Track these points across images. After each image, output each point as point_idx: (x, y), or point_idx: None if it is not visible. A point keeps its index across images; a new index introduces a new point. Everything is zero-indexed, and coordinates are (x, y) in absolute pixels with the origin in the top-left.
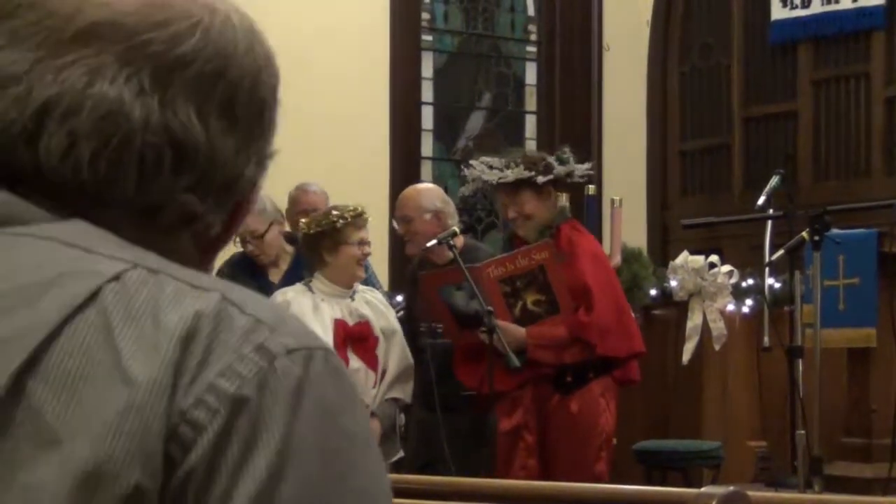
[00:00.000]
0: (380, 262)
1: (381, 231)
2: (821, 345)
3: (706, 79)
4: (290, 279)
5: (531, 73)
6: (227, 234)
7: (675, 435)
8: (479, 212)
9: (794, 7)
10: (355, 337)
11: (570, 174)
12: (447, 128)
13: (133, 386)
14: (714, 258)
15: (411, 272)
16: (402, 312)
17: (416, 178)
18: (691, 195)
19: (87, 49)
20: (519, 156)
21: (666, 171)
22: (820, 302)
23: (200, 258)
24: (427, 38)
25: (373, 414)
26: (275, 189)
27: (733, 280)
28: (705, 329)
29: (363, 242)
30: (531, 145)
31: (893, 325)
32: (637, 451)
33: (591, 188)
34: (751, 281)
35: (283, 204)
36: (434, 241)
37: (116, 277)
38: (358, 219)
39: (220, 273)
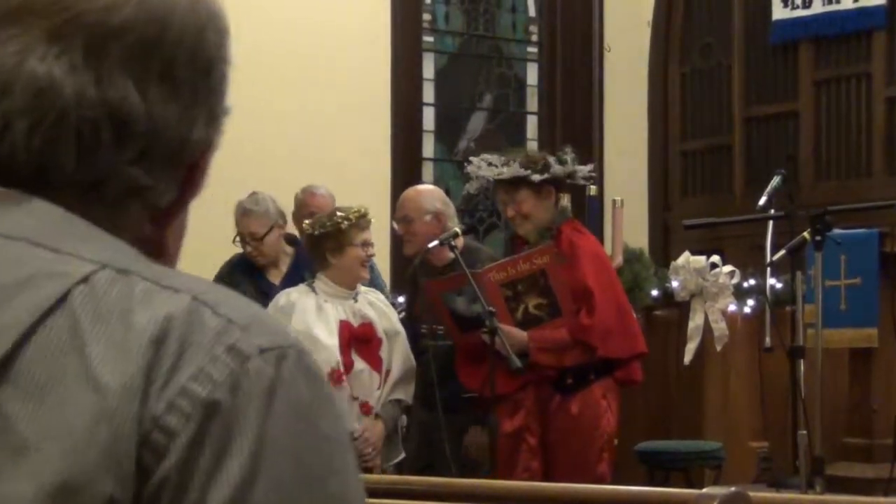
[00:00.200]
0: (381, 263)
1: (383, 232)
2: (822, 345)
3: (707, 79)
4: (290, 280)
5: (532, 74)
6: (183, 199)
7: (676, 435)
8: (480, 212)
9: (794, 7)
10: (360, 338)
11: (570, 175)
12: (448, 129)
13: (104, 393)
14: (715, 258)
15: (412, 273)
16: (402, 314)
17: (418, 179)
18: (692, 195)
19: (18, 27)
20: (521, 155)
21: (667, 171)
22: (821, 302)
23: (156, 228)
24: (428, 39)
25: (377, 415)
26: (278, 190)
27: (735, 280)
28: (707, 329)
29: (367, 244)
30: (532, 146)
31: (895, 325)
32: (639, 452)
33: (593, 189)
34: (752, 281)
35: (288, 205)
36: (435, 242)
37: (85, 279)
38: (361, 220)
39: (220, 274)
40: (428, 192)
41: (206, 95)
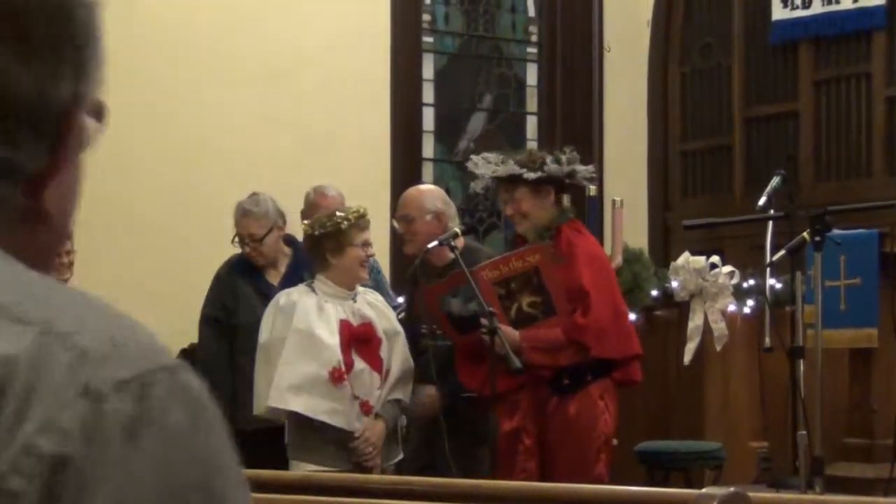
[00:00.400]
0: (381, 263)
1: (383, 233)
2: (822, 345)
3: (707, 79)
4: (289, 281)
5: (532, 75)
6: (57, 161)
7: (676, 436)
8: (480, 212)
9: (794, 7)
10: (360, 338)
11: (569, 174)
12: (448, 129)
13: None
14: (715, 259)
15: (412, 274)
16: (402, 314)
17: (418, 180)
18: (692, 196)
19: None
20: (522, 154)
21: (667, 171)
22: (821, 302)
23: (30, 196)
24: (428, 39)
25: (377, 415)
26: (278, 191)
27: (734, 280)
28: (707, 329)
29: (366, 244)
30: (532, 146)
31: (895, 325)
32: (639, 452)
33: (593, 189)
34: (752, 281)
35: (288, 206)
36: (435, 243)
37: None
38: (361, 220)
39: (219, 274)
40: (429, 191)
41: (72, 51)
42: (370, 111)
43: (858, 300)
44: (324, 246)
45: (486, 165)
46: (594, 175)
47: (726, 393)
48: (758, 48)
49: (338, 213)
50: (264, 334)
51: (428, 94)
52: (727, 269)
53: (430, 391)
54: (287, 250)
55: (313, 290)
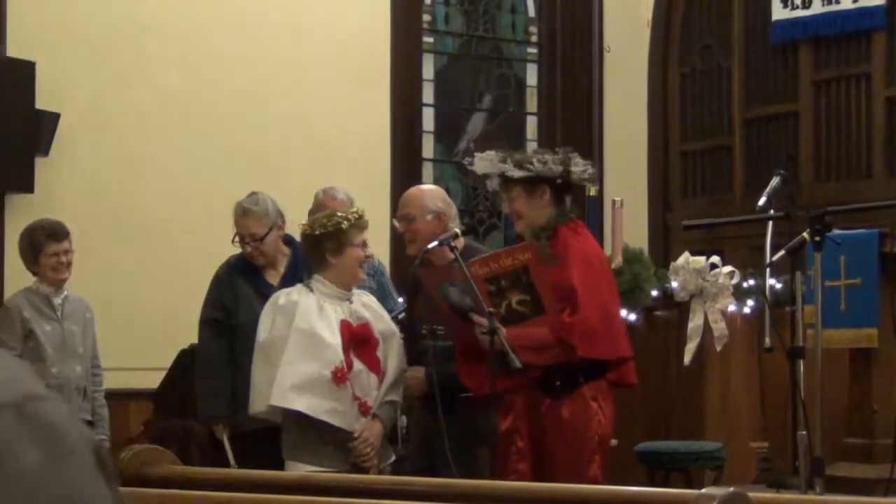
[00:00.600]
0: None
1: (383, 233)
2: (822, 345)
3: (707, 80)
4: (288, 281)
5: (532, 75)
6: None
7: (676, 436)
8: (480, 213)
9: (794, 7)
10: (358, 338)
11: (562, 174)
12: (448, 129)
13: None
14: (715, 259)
15: (412, 274)
16: (403, 314)
17: (418, 180)
18: (692, 196)
19: None
20: (520, 153)
21: (667, 172)
22: (821, 302)
23: None
24: (428, 39)
25: (374, 416)
26: (278, 191)
27: (734, 281)
28: (707, 330)
29: (365, 244)
30: (532, 147)
31: (895, 325)
32: (639, 452)
33: (593, 189)
34: (752, 282)
35: (288, 206)
36: (435, 243)
37: None
38: (360, 221)
39: (219, 274)
40: (431, 191)
41: None
42: (370, 111)
43: (858, 300)
44: (324, 246)
45: (481, 163)
46: (592, 175)
47: (726, 393)
48: (758, 48)
49: (338, 214)
50: (263, 333)
51: (428, 94)
52: (727, 269)
53: (416, 372)
54: (286, 250)
55: (311, 290)
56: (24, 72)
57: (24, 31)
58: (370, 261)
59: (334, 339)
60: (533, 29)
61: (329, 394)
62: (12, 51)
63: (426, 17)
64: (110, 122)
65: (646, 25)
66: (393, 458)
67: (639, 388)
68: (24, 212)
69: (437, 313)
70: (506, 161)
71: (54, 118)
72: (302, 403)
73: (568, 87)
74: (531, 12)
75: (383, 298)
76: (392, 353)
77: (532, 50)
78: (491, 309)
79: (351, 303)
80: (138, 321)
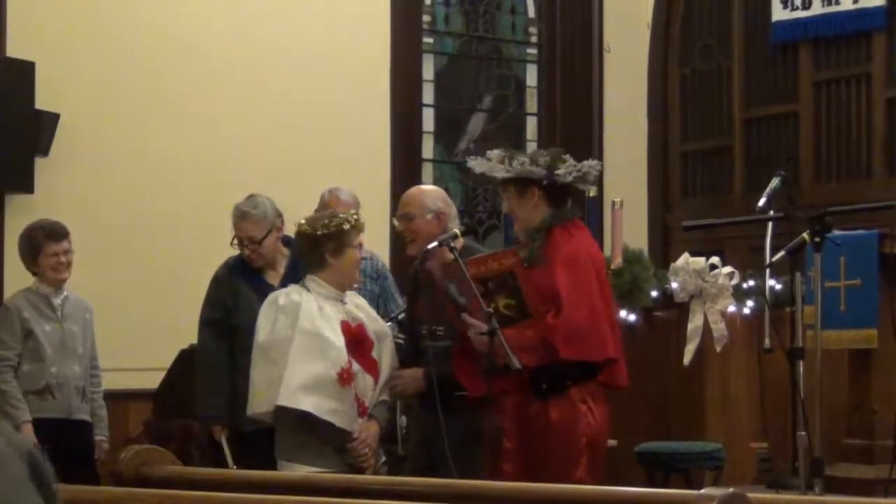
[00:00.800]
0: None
1: (383, 234)
2: (822, 346)
3: (707, 80)
4: (288, 281)
5: (532, 75)
6: None
7: (676, 436)
8: (480, 213)
9: (794, 8)
10: (356, 339)
11: (548, 177)
12: (448, 130)
13: None
14: (715, 260)
15: (412, 275)
16: (402, 315)
17: (418, 181)
18: (692, 197)
19: None
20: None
21: (667, 172)
22: (821, 303)
23: None
24: (428, 40)
25: (370, 416)
26: (279, 191)
27: (734, 281)
28: (706, 330)
29: (360, 246)
30: (532, 147)
31: (894, 326)
32: (639, 453)
33: (592, 190)
34: (752, 282)
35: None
36: (435, 244)
37: None
38: (358, 222)
39: (218, 276)
40: (431, 191)
41: None
42: (370, 112)
43: (858, 301)
44: (324, 246)
45: (479, 163)
46: (583, 177)
47: (726, 394)
48: (758, 49)
49: (340, 215)
50: (263, 334)
51: (428, 94)
52: (727, 269)
53: (414, 372)
54: (285, 251)
55: (308, 291)
56: (24, 72)
57: (24, 31)
58: (373, 263)
59: (338, 340)
60: (533, 29)
61: (334, 394)
62: (12, 51)
63: (426, 18)
64: (110, 122)
65: (646, 26)
66: (384, 458)
67: (639, 389)
68: (23, 212)
69: (440, 312)
70: (503, 161)
71: (54, 118)
72: (309, 403)
73: (568, 87)
74: (531, 13)
75: (386, 302)
76: (385, 354)
77: (532, 50)
78: (490, 309)
79: (345, 304)
80: (138, 321)
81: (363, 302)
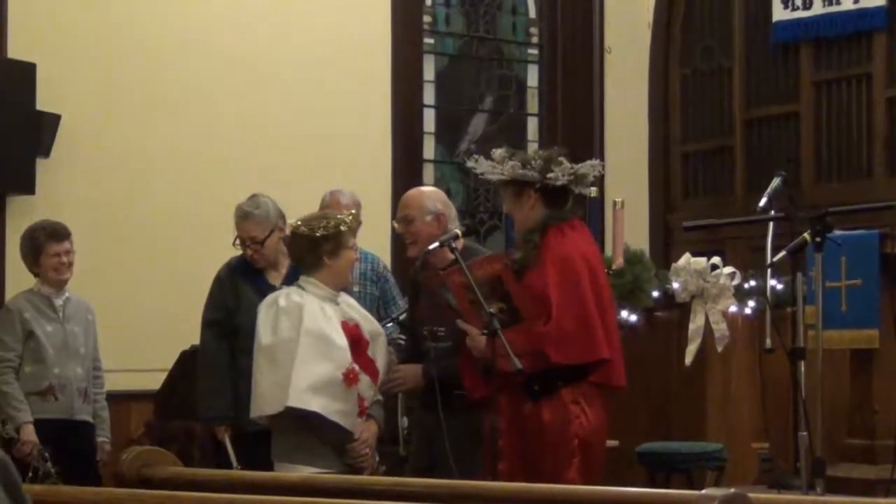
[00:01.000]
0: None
1: (384, 234)
2: (823, 346)
3: (708, 81)
4: (290, 281)
5: (533, 76)
6: None
7: (677, 437)
8: (481, 214)
9: (795, 8)
10: (354, 339)
11: (541, 179)
12: (449, 131)
13: None
14: (716, 260)
15: (413, 275)
16: (404, 315)
17: (419, 181)
18: (693, 197)
19: None
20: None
21: (668, 173)
22: (822, 303)
23: None
24: (429, 41)
25: (368, 416)
26: (279, 191)
27: (735, 282)
28: (708, 331)
29: (355, 247)
30: (533, 148)
31: (895, 326)
32: (640, 453)
33: (593, 190)
34: (753, 282)
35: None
36: (436, 244)
37: None
38: (355, 224)
39: (220, 276)
40: (430, 192)
41: None
42: (371, 113)
43: (859, 301)
44: (322, 247)
45: (477, 164)
46: (578, 179)
47: (727, 394)
48: (758, 49)
49: (337, 216)
50: (267, 336)
51: (429, 95)
52: (728, 270)
53: (413, 368)
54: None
55: (306, 292)
56: (25, 73)
57: (25, 32)
58: (373, 266)
59: (341, 340)
60: (534, 30)
61: (340, 395)
62: (13, 52)
63: (427, 19)
64: (111, 123)
65: (647, 27)
66: (377, 458)
67: (640, 389)
68: (25, 213)
69: (441, 314)
70: (502, 162)
71: (55, 119)
72: (317, 404)
73: (569, 88)
74: (532, 13)
75: (386, 304)
76: (380, 354)
77: (533, 51)
78: (492, 310)
79: (338, 304)
80: (139, 322)
81: (354, 301)
